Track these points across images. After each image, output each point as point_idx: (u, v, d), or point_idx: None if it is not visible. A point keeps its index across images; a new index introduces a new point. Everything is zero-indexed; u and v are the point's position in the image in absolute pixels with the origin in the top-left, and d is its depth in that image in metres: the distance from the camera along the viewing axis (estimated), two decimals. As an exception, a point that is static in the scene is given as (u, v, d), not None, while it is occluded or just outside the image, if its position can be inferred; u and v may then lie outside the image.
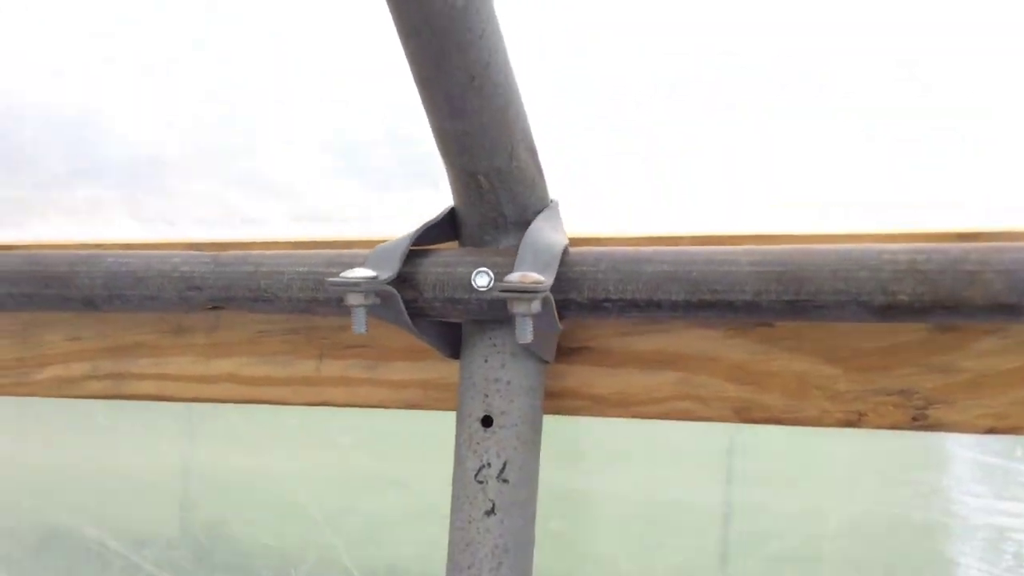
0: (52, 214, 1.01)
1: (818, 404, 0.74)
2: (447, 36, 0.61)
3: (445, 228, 0.77)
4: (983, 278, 0.60)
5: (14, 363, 1.01)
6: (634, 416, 0.80)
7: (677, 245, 0.75)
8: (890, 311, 0.62)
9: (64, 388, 0.99)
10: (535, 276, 0.64)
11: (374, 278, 0.69)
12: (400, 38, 0.63)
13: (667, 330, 0.78)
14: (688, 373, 0.78)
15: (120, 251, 0.84)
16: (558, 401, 0.81)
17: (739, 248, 0.67)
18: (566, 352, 0.81)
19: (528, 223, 0.73)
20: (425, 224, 0.75)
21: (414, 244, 0.75)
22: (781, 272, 0.64)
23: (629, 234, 0.78)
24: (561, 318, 0.71)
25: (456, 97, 0.65)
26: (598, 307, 0.70)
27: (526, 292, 0.63)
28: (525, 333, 0.65)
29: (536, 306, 0.64)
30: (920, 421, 0.72)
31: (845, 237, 0.69)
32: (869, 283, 0.62)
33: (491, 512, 0.74)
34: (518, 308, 0.64)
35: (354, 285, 0.68)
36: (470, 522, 0.75)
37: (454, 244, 0.78)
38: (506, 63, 0.66)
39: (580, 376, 0.81)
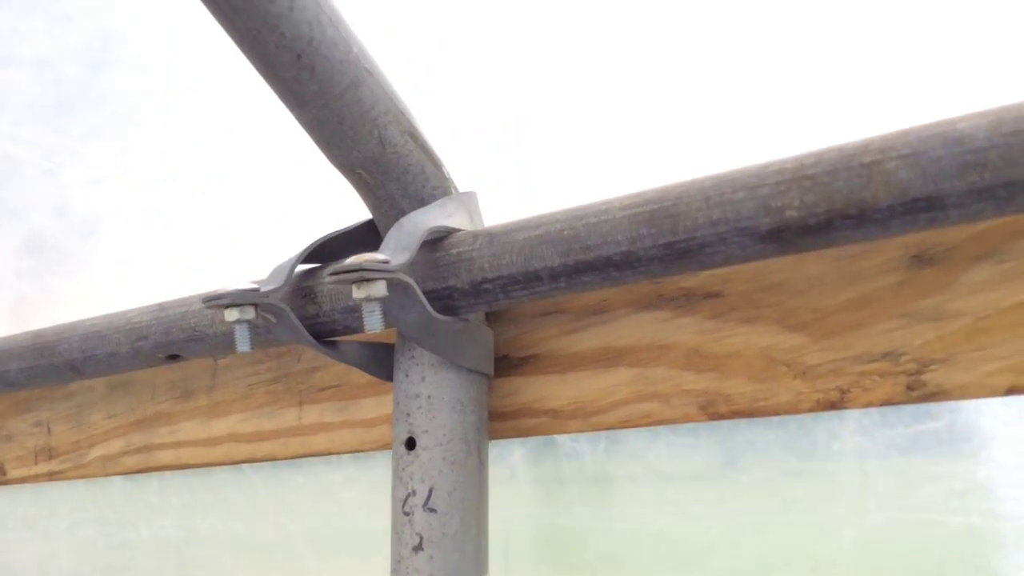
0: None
1: (789, 385, 0.59)
2: (255, 15, 0.57)
3: (365, 239, 0.71)
4: (884, 168, 0.45)
5: (72, 447, 1.06)
6: (593, 428, 0.68)
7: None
8: (782, 235, 0.48)
9: (108, 466, 1.02)
10: (375, 256, 0.56)
11: (255, 291, 0.64)
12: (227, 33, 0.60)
13: (611, 319, 0.66)
14: (641, 368, 0.65)
15: (95, 317, 0.86)
16: (513, 422, 0.71)
17: (613, 197, 0.55)
18: (514, 363, 0.71)
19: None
20: (331, 233, 0.70)
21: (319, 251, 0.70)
22: (653, 211, 0.52)
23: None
24: (450, 310, 0.62)
25: (290, 82, 0.60)
26: (479, 291, 0.60)
27: (354, 271, 0.55)
28: (373, 322, 0.57)
29: (380, 289, 0.56)
30: (917, 390, 0.55)
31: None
32: (748, 203, 0.49)
33: (419, 548, 0.65)
34: (357, 293, 0.56)
35: (229, 299, 0.64)
36: (399, 561, 0.66)
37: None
38: (344, 37, 0.60)
39: (531, 389, 0.70)
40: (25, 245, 1.06)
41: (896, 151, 0.45)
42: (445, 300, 0.62)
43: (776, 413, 0.60)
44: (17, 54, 0.96)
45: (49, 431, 1.08)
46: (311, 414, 0.84)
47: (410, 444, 0.66)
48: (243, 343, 0.65)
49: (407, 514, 0.65)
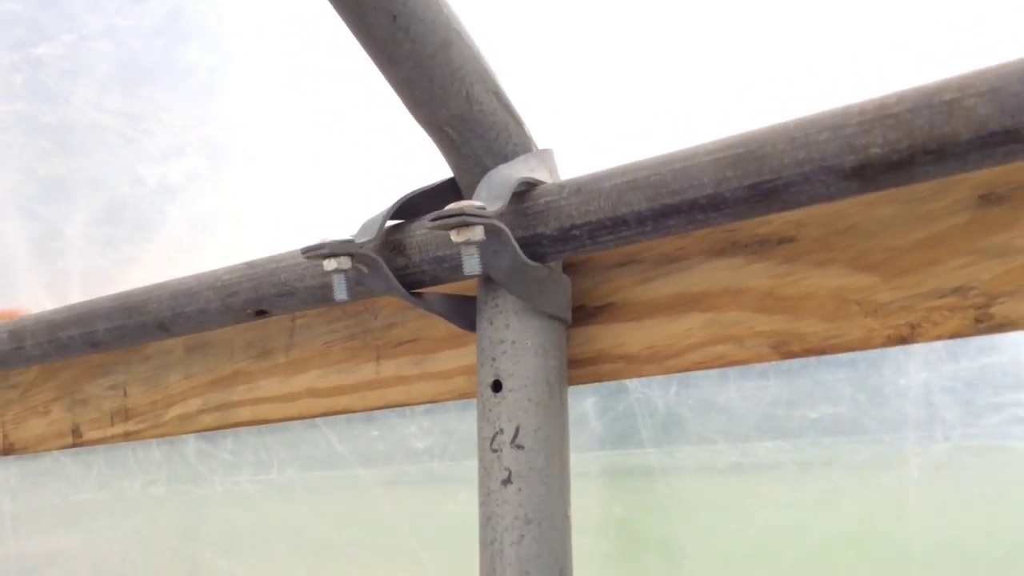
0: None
1: (861, 323, 0.63)
2: (357, -23, 0.61)
3: (445, 197, 0.75)
4: (964, 104, 0.48)
5: (148, 407, 1.10)
6: (668, 371, 0.71)
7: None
8: (865, 172, 0.52)
9: (186, 424, 1.06)
10: (472, 203, 0.60)
11: (349, 241, 0.68)
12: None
13: (687, 267, 0.70)
14: (716, 312, 0.69)
15: (183, 277, 0.90)
16: (591, 368, 0.75)
17: (698, 144, 0.59)
18: (591, 312, 0.75)
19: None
20: (417, 190, 0.74)
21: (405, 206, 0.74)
22: (739, 155, 0.56)
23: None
24: (538, 257, 0.66)
25: (385, 42, 0.64)
26: (567, 237, 0.64)
27: (454, 216, 0.59)
28: (472, 264, 0.61)
29: (478, 233, 0.60)
30: (984, 323, 0.58)
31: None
32: (833, 143, 0.52)
33: (507, 481, 0.69)
34: (456, 238, 0.60)
35: (328, 249, 0.68)
36: (489, 494, 0.70)
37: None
38: None
39: (607, 336, 0.74)
40: (104, 213, 1.11)
41: (975, 88, 0.48)
42: (533, 247, 0.66)
43: (848, 350, 0.63)
44: (102, 27, 1.00)
45: (125, 393, 1.13)
46: (388, 368, 0.88)
47: (496, 386, 0.71)
48: (340, 292, 0.69)
49: (495, 451, 0.70)
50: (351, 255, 0.69)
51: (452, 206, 0.60)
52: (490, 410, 0.71)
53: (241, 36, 1.01)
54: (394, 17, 0.63)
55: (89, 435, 1.17)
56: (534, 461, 0.69)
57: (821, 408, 0.69)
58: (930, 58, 0.67)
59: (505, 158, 0.70)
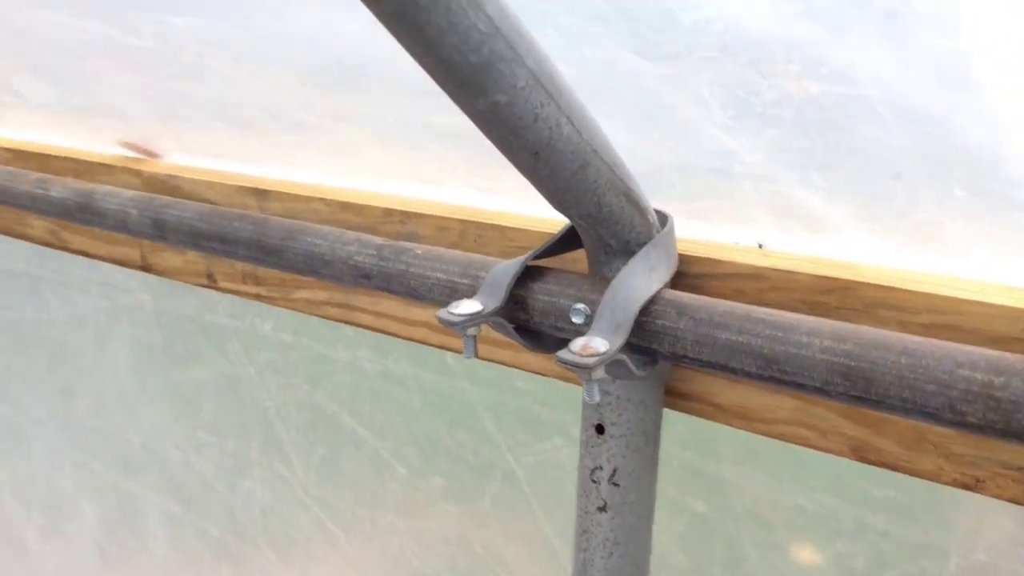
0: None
1: (934, 460, 0.70)
2: (503, 123, 0.62)
3: (571, 241, 0.80)
4: (1065, 423, 0.52)
5: (278, 282, 1.22)
6: (754, 431, 0.80)
7: (793, 280, 0.72)
8: (959, 427, 0.57)
9: (313, 308, 1.19)
10: (596, 347, 0.66)
11: (479, 313, 0.75)
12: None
13: (785, 357, 0.76)
14: (805, 402, 0.76)
15: (318, 227, 0.96)
16: (686, 402, 0.84)
17: (813, 327, 0.63)
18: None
19: (632, 253, 0.74)
20: (539, 249, 0.78)
21: (537, 259, 0.79)
22: (850, 368, 0.60)
23: (744, 256, 0.75)
24: (647, 364, 0.73)
25: (526, 167, 0.66)
26: (680, 360, 0.70)
27: (580, 367, 0.65)
28: (592, 395, 0.68)
29: (599, 373, 0.67)
30: (1044, 502, 0.65)
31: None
32: (937, 398, 0.56)
33: (603, 509, 0.82)
34: (580, 375, 0.67)
35: (459, 322, 0.75)
36: (586, 513, 0.83)
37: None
38: (579, 128, 0.65)
39: (703, 382, 0.82)
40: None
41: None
42: (646, 356, 0.72)
43: (918, 476, 0.71)
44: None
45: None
46: (500, 332, 0.97)
47: (599, 429, 0.80)
48: (468, 352, 0.77)
49: (595, 482, 0.81)
50: (480, 323, 0.76)
51: (576, 352, 0.66)
52: (593, 447, 0.81)
53: None
54: (536, 153, 0.64)
55: (223, 284, 1.31)
56: (627, 496, 0.81)
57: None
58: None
59: (627, 244, 0.74)
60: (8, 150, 1.48)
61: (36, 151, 1.45)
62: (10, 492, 2.08)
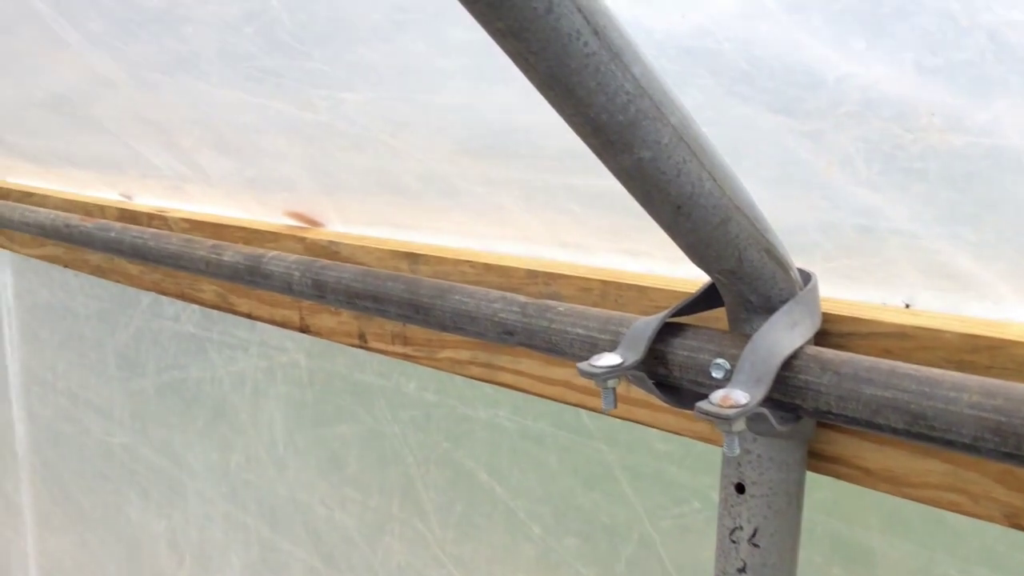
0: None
1: (1099, 531, 0.66)
2: (647, 179, 0.65)
3: (710, 299, 0.81)
4: None
5: (424, 343, 1.28)
6: (903, 496, 0.78)
7: (940, 339, 0.71)
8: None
9: (456, 368, 1.23)
10: (736, 399, 0.67)
11: (619, 365, 0.77)
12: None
13: (933, 419, 0.74)
14: (957, 466, 0.74)
15: (465, 286, 1.02)
16: (830, 465, 0.82)
17: (961, 382, 0.62)
18: (833, 425, 0.81)
19: (774, 309, 0.74)
20: (682, 302, 0.80)
21: (676, 316, 0.81)
22: (1001, 423, 0.59)
23: (889, 315, 0.74)
24: (789, 419, 0.73)
25: (667, 222, 0.68)
26: (823, 417, 0.70)
27: (720, 418, 0.66)
28: (732, 447, 0.69)
29: (739, 425, 0.68)
30: None
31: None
32: (1097, 458, 0.55)
33: (742, 571, 0.81)
34: (720, 427, 0.68)
35: (600, 374, 0.77)
36: (724, 572, 0.82)
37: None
38: (720, 183, 0.67)
39: (849, 445, 0.81)
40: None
41: None
42: (788, 412, 0.72)
43: (1080, 547, 0.68)
44: None
45: (404, 324, 1.31)
46: (639, 391, 0.99)
47: (739, 488, 0.80)
48: (608, 403, 0.79)
49: (734, 542, 0.81)
50: (619, 376, 0.78)
51: (717, 404, 0.67)
52: (732, 506, 0.81)
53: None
54: (678, 208, 0.67)
55: (373, 344, 1.38)
56: (767, 558, 0.80)
57: None
58: None
59: (768, 300, 0.74)
60: (186, 220, 1.62)
61: (211, 221, 1.58)
62: (166, 542, 2.20)
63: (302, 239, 1.40)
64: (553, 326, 0.90)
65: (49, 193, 2.03)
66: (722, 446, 0.90)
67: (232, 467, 1.85)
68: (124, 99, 1.28)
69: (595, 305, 0.99)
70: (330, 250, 1.35)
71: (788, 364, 0.71)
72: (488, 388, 1.26)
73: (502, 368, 1.16)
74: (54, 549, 2.72)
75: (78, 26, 1.06)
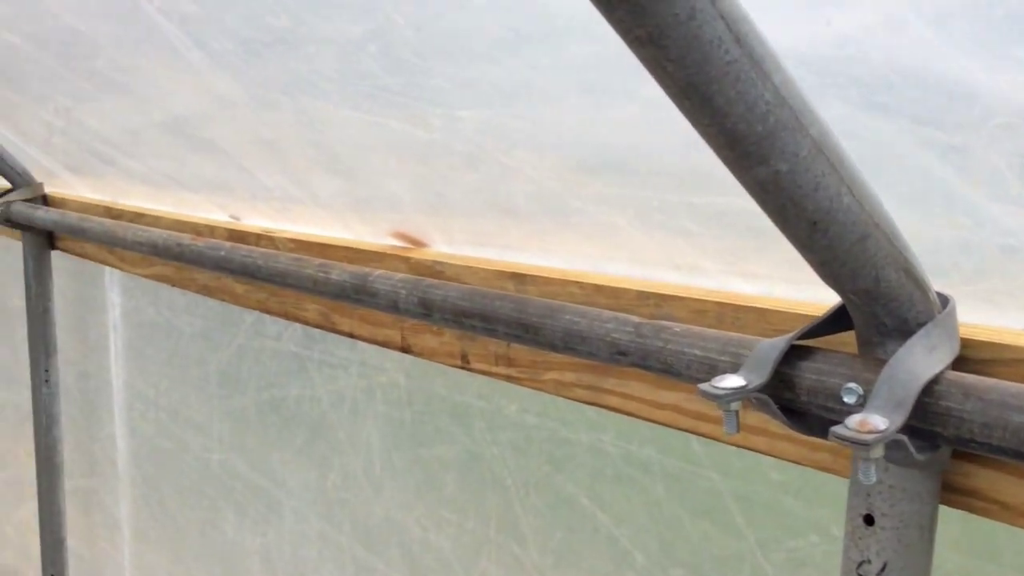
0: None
1: None
2: (782, 192, 0.63)
3: (839, 321, 0.78)
4: None
5: (529, 364, 1.27)
6: (1046, 533, 0.73)
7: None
8: None
9: (561, 390, 1.22)
10: (874, 423, 0.64)
11: (743, 387, 0.75)
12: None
13: (1085, 453, 0.70)
14: (1110, 503, 0.69)
15: (576, 306, 1.01)
16: (965, 499, 0.78)
17: None
18: (971, 455, 0.77)
19: (911, 333, 0.71)
20: (810, 324, 0.78)
21: (803, 338, 0.78)
22: None
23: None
24: (928, 448, 0.69)
25: (802, 238, 0.66)
26: (965, 445, 0.66)
27: (858, 444, 0.63)
28: (868, 475, 0.66)
29: (877, 451, 0.64)
30: None
31: None
32: None
33: (869, 605, 0.77)
34: (858, 453, 0.65)
35: (723, 396, 0.75)
36: (849, 609, 0.78)
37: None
38: (859, 199, 0.65)
39: (986, 478, 0.76)
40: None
41: None
42: (926, 440, 0.69)
43: None
44: None
45: (509, 345, 1.30)
46: (755, 418, 0.96)
47: (868, 520, 0.77)
48: (730, 427, 0.77)
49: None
50: (743, 399, 0.75)
51: (853, 428, 0.64)
52: (860, 538, 0.77)
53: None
54: (814, 223, 0.64)
55: (476, 365, 1.37)
56: (896, 594, 0.76)
57: None
58: None
59: (905, 323, 0.71)
60: (293, 240, 1.66)
61: (317, 241, 1.61)
62: (260, 559, 2.23)
63: (406, 259, 1.41)
64: (668, 347, 0.88)
65: (160, 214, 2.10)
66: (844, 476, 0.86)
67: (328, 486, 1.86)
68: (241, 120, 1.32)
69: (711, 327, 0.97)
70: (434, 270, 1.36)
71: (928, 390, 0.68)
72: (591, 412, 1.25)
73: (609, 391, 1.14)
74: (149, 563, 2.79)
75: (202, 46, 1.10)
